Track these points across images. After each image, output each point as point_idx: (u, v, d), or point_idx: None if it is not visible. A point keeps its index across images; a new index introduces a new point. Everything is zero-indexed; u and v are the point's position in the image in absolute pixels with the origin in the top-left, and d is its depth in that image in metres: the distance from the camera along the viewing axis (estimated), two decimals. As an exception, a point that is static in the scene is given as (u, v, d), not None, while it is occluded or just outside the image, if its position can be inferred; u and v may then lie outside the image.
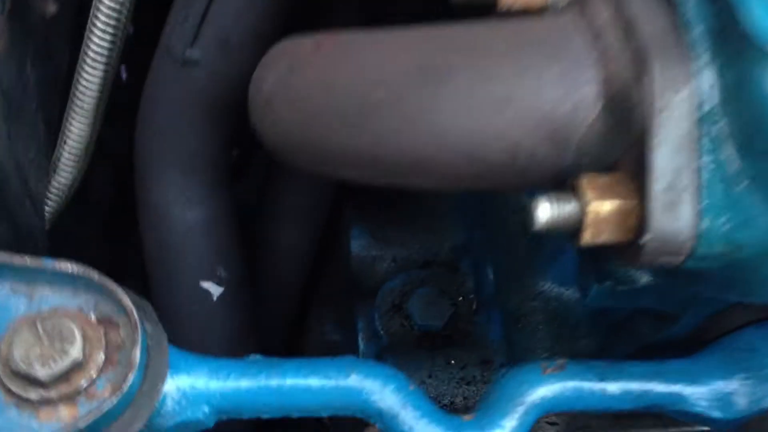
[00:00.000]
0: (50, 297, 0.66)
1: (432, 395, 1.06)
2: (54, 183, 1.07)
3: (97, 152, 1.32)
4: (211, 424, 0.70)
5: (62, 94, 1.07)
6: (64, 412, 0.62)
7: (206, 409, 0.69)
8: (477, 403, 0.74)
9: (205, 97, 1.07)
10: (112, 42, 1.00)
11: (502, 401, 0.72)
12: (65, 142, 1.05)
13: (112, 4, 0.98)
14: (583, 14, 0.63)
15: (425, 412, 0.71)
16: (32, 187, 0.98)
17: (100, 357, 0.64)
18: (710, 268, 0.62)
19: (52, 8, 1.05)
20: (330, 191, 1.35)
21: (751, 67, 0.56)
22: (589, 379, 0.74)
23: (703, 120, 0.58)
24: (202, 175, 1.15)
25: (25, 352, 0.62)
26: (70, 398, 0.62)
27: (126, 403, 0.63)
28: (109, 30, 1.00)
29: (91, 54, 1.00)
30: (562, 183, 0.63)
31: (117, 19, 1.01)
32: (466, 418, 0.71)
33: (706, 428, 0.91)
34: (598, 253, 0.66)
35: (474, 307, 1.15)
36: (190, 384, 0.68)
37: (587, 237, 0.60)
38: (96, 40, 0.99)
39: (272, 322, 1.41)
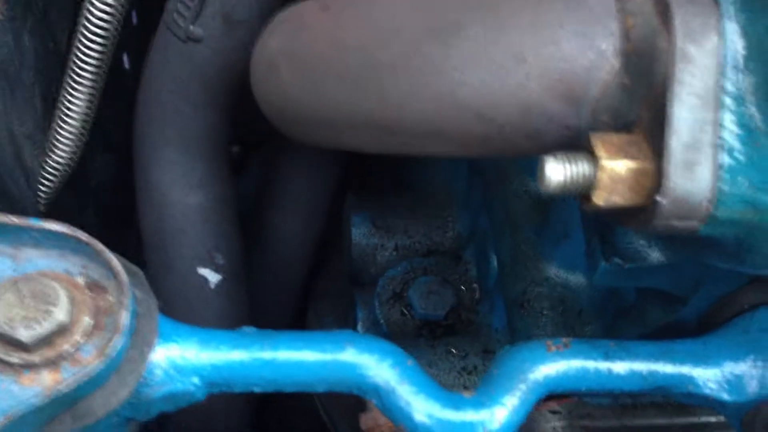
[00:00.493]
0: (36, 259, 0.63)
1: (432, 384, 1.03)
2: (50, 161, 1.05)
3: (99, 139, 1.30)
4: (202, 396, 0.67)
5: (62, 70, 1.05)
6: (47, 377, 0.59)
7: (197, 380, 0.66)
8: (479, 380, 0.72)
9: (207, 74, 1.05)
10: (111, 15, 0.97)
11: (504, 378, 0.69)
12: (62, 119, 1.03)
13: (111, -23, 0.96)
14: None
15: (423, 387, 0.68)
16: (27, 162, 0.96)
17: (87, 321, 0.61)
18: (725, 235, 0.59)
19: (51, -19, 1.03)
20: (333, 182, 1.33)
21: None
22: (595, 358, 0.71)
23: (726, 74, 0.55)
24: (203, 157, 1.13)
25: (8, 314, 0.59)
26: (53, 363, 0.60)
27: (111, 368, 0.60)
28: (108, 2, 0.98)
29: (89, 27, 0.98)
30: (575, 145, 0.60)
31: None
32: (466, 394, 0.69)
33: (712, 418, 0.89)
34: (610, 219, 0.64)
35: (477, 296, 1.13)
36: (180, 354, 0.66)
37: (599, 198, 0.58)
38: (95, 12, 0.97)
39: (273, 314, 1.39)
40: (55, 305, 0.60)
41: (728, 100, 0.56)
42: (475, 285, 1.13)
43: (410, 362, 0.69)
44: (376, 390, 0.68)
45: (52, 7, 1.03)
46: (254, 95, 0.82)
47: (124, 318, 0.60)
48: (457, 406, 0.68)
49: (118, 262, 0.63)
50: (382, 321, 1.12)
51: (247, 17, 1.00)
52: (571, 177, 0.59)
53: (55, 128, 1.04)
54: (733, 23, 0.56)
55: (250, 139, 1.68)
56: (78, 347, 0.61)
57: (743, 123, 0.56)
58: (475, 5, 0.63)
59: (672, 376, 0.71)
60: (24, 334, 0.59)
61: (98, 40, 0.99)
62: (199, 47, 1.03)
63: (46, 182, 1.07)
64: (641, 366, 0.71)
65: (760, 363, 0.71)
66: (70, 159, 1.07)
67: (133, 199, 1.18)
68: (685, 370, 0.72)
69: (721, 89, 0.56)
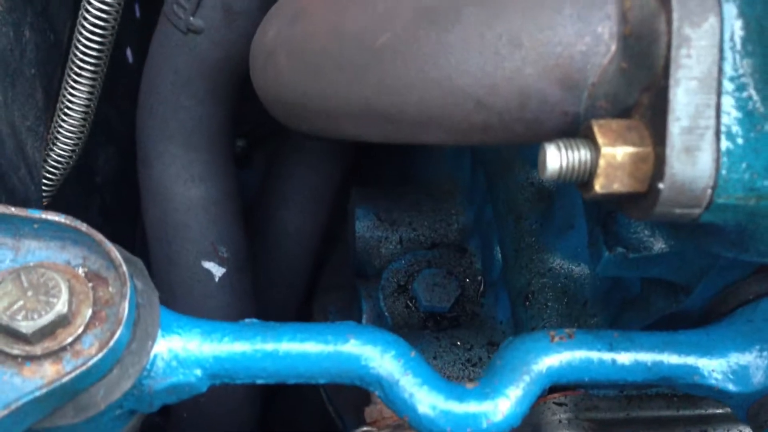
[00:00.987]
0: (37, 250, 0.63)
1: (436, 376, 1.02)
2: (52, 154, 1.05)
3: (103, 134, 1.30)
4: (204, 388, 0.67)
5: (63, 63, 1.04)
6: (49, 369, 0.59)
7: (199, 372, 0.66)
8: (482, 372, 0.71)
9: (208, 66, 1.04)
10: (110, 6, 0.97)
11: (507, 369, 0.69)
12: (64, 111, 1.03)
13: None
14: None
15: (427, 379, 0.68)
16: (29, 154, 0.96)
17: (88, 312, 0.61)
18: (727, 222, 0.59)
19: (51, -27, 1.03)
20: (338, 175, 1.33)
21: None
22: (599, 349, 0.71)
23: (726, 56, 0.55)
24: (205, 150, 1.13)
25: (9, 305, 0.59)
26: (55, 354, 0.60)
27: (112, 360, 0.60)
28: None
29: (89, 19, 0.98)
30: (574, 132, 0.60)
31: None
32: (470, 386, 0.68)
33: (718, 410, 0.88)
34: (611, 207, 0.63)
35: (481, 288, 1.12)
36: (182, 345, 0.66)
37: (599, 186, 0.57)
38: (94, 3, 0.96)
39: (278, 307, 1.39)
40: (55, 296, 0.60)
41: (728, 84, 0.55)
42: (479, 277, 1.13)
43: (413, 353, 0.69)
44: (379, 381, 0.67)
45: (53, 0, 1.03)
46: (253, 85, 0.82)
47: (125, 309, 0.60)
48: (460, 397, 0.67)
49: (118, 253, 0.62)
50: (386, 313, 1.11)
51: (247, 8, 1.00)
52: (571, 164, 0.58)
53: (57, 121, 1.04)
54: (731, 4, 0.55)
55: (255, 133, 1.68)
56: (79, 338, 0.60)
57: (743, 106, 0.55)
58: None
59: (677, 367, 0.71)
60: (25, 326, 0.58)
61: (98, 31, 0.99)
62: (199, 39, 1.03)
63: (49, 175, 1.07)
64: (646, 356, 0.71)
65: (765, 353, 0.71)
66: (72, 152, 1.07)
67: (137, 194, 1.18)
68: (690, 360, 0.71)
69: (721, 72, 0.55)
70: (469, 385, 0.69)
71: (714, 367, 0.71)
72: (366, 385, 0.68)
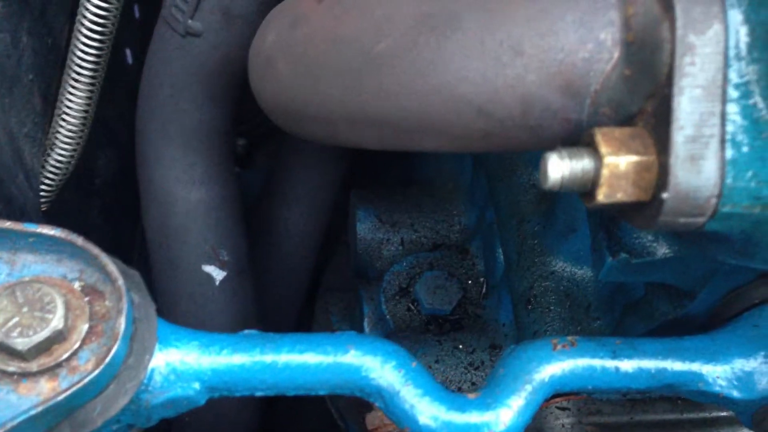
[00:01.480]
0: (33, 264, 0.63)
1: (439, 381, 1.01)
2: (51, 160, 1.04)
3: (103, 136, 1.29)
4: (202, 401, 0.66)
5: (61, 68, 1.04)
6: (45, 386, 0.59)
7: (197, 385, 0.65)
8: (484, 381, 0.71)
9: (207, 69, 1.03)
10: (108, 10, 0.96)
11: (509, 379, 0.68)
12: (62, 117, 1.02)
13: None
14: None
15: (428, 390, 0.67)
16: (27, 161, 0.95)
17: (84, 327, 0.60)
18: (732, 231, 0.58)
19: (48, -21, 1.02)
20: (339, 176, 1.32)
21: None
22: (602, 357, 0.70)
23: (731, 63, 0.54)
24: (205, 153, 1.12)
25: (4, 322, 0.59)
26: (51, 371, 0.59)
27: (109, 375, 0.59)
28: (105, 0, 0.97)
29: (86, 24, 0.97)
30: (577, 139, 0.59)
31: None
32: (471, 396, 0.68)
33: (723, 413, 0.88)
34: (614, 216, 0.62)
35: (484, 290, 1.11)
36: (180, 359, 0.65)
37: (602, 195, 0.56)
38: (91, 8, 0.95)
39: (280, 309, 1.38)
40: (51, 312, 0.59)
41: (733, 91, 0.54)
42: (482, 279, 1.12)
43: (414, 364, 0.68)
44: (380, 392, 0.67)
45: (50, 4, 1.02)
46: (252, 90, 0.81)
47: (121, 324, 0.59)
48: (461, 408, 0.66)
49: (115, 267, 0.62)
50: (388, 317, 1.11)
51: (245, 11, 0.99)
52: (573, 173, 0.57)
53: (55, 127, 1.03)
54: (736, 10, 0.54)
55: (256, 133, 1.67)
56: (75, 353, 0.60)
57: (748, 114, 0.54)
58: None
59: (681, 374, 0.70)
60: (20, 343, 0.58)
61: (96, 36, 0.98)
62: (197, 42, 1.02)
63: (47, 181, 1.06)
64: (649, 363, 0.70)
65: (771, 359, 0.70)
66: (71, 157, 1.06)
67: (138, 195, 1.18)
68: (695, 367, 0.70)
69: (725, 79, 0.54)
70: (471, 396, 0.68)
71: (718, 374, 0.70)
72: (367, 396, 0.68)
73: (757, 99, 0.55)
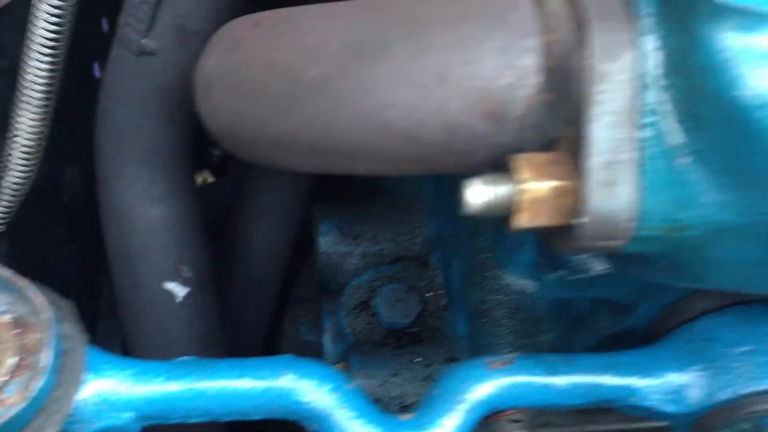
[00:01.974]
0: (-39, 299, 0.63)
1: (396, 394, 1.02)
2: (4, 183, 1.04)
3: (70, 152, 1.29)
4: (135, 429, 0.66)
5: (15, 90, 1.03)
6: (-30, 420, 0.59)
7: (130, 414, 0.66)
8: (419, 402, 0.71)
9: (163, 87, 1.04)
10: (57, 32, 0.96)
11: (444, 399, 0.69)
12: (14, 139, 1.02)
13: (56, -4, 0.95)
14: None
15: (362, 412, 0.67)
16: (-22, 186, 0.95)
17: (12, 361, 0.61)
18: (653, 252, 0.58)
19: (5, -1, 1.02)
20: (307, 189, 1.32)
21: (701, 27, 0.52)
22: (537, 374, 0.70)
23: (644, 89, 0.54)
24: (164, 170, 1.12)
25: (-70, 358, 0.59)
26: (-23, 405, 0.59)
27: (35, 409, 0.60)
28: (54, 19, 0.97)
29: (37, 42, 0.97)
30: (505, 164, 0.60)
31: (62, 8, 0.97)
32: (405, 417, 0.68)
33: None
34: (542, 238, 0.63)
35: (443, 302, 1.12)
36: (113, 388, 0.65)
37: (523, 220, 0.57)
38: (41, 26, 0.95)
39: (249, 322, 1.38)
40: (-23, 346, 0.59)
41: (647, 117, 0.55)
42: (442, 291, 1.12)
43: (350, 386, 0.69)
44: (314, 416, 0.67)
45: (5, 25, 1.02)
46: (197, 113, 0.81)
47: (48, 357, 0.59)
48: (395, 429, 0.67)
49: (44, 299, 0.62)
50: (348, 330, 1.11)
51: (200, 28, 0.99)
52: (495, 199, 0.58)
53: (8, 150, 1.03)
54: (650, 38, 0.55)
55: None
56: (2, 388, 0.60)
57: (662, 140, 0.55)
58: (401, 23, 0.62)
59: (616, 389, 0.71)
60: (-56, 379, 0.58)
61: (46, 56, 0.98)
62: (153, 60, 1.02)
63: (3, 203, 1.06)
64: (585, 379, 0.71)
65: (703, 373, 0.70)
66: (26, 178, 1.06)
67: (105, 212, 1.17)
68: (630, 381, 0.71)
69: (640, 105, 0.55)
70: (406, 417, 0.68)
71: (652, 388, 0.70)
72: (302, 420, 0.68)
73: (671, 125, 0.55)
